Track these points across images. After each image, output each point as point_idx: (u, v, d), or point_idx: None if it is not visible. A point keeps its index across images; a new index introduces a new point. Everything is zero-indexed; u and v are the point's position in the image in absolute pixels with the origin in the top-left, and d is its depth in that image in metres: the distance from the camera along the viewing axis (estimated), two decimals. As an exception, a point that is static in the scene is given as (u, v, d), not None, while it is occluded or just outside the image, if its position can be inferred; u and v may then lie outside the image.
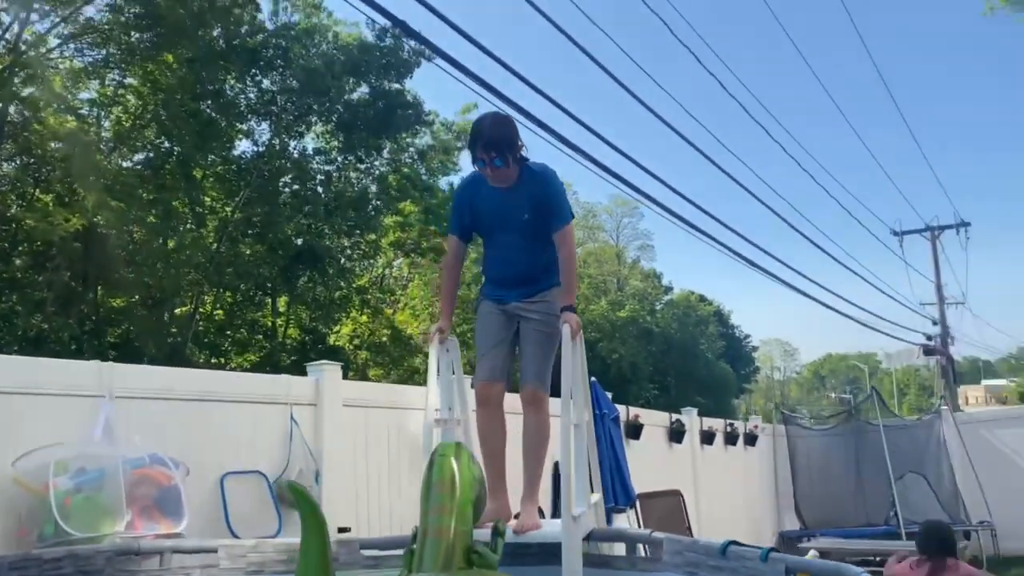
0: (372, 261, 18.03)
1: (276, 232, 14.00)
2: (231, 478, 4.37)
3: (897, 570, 4.31)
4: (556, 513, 5.78)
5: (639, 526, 7.44)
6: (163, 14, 11.59)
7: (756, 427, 12.99)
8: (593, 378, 6.05)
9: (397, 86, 14.74)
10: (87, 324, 12.56)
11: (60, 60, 12.56)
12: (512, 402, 3.65)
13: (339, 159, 15.50)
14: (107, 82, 13.15)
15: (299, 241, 14.64)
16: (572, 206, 3.79)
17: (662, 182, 8.50)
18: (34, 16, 11.47)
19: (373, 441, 5.44)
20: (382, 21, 9.08)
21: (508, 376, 3.66)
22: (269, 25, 14.26)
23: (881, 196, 38.19)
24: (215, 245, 13.89)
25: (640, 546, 3.49)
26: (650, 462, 9.02)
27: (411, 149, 16.62)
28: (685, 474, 10.22)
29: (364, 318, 17.16)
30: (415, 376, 16.18)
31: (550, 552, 3.14)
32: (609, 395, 7.84)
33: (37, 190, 12.09)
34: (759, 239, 11.17)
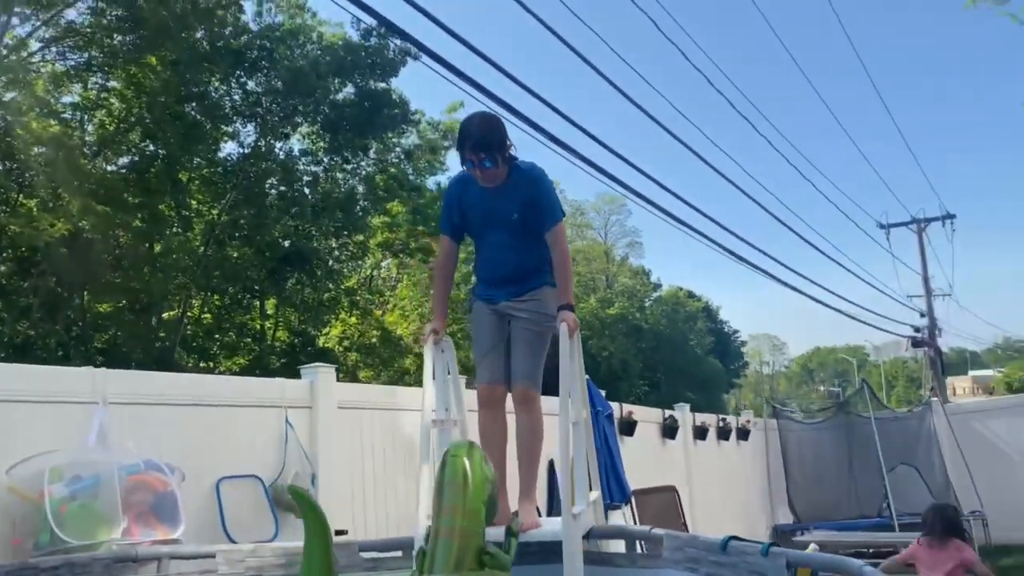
0: (360, 262, 18.00)
1: (263, 234, 13.95)
2: (226, 483, 4.33)
3: (911, 548, 4.40)
4: (551, 512, 5.77)
5: (635, 523, 7.44)
6: (145, 16, 11.52)
7: (748, 422, 13.03)
8: (586, 376, 6.03)
9: (383, 85, 14.72)
10: (73, 330, 12.47)
11: (42, 64, 12.46)
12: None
13: (325, 160, 15.46)
14: (90, 86, 13.07)
15: (286, 243, 14.60)
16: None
17: (649, 177, 8.48)
18: (15, 20, 11.36)
19: (368, 443, 5.41)
20: (368, 20, 9.04)
21: (509, 377, 3.64)
22: (253, 26, 14.21)
23: (868, 190, 38.28)
24: (202, 248, 13.82)
25: (638, 543, 3.49)
26: (644, 458, 9.02)
27: (397, 149, 16.61)
28: (679, 470, 10.23)
29: (353, 320, 17.13)
30: (405, 377, 16.16)
31: (550, 550, 3.12)
32: (602, 392, 7.83)
33: (21, 195, 12.00)
34: (747, 234, 11.18)
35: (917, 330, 20.08)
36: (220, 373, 13.34)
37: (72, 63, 12.58)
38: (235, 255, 14.22)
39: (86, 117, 13.39)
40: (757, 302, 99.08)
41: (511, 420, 3.69)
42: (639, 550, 3.49)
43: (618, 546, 3.63)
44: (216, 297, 14.87)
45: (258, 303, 15.69)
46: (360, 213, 15.55)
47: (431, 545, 2.30)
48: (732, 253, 11.16)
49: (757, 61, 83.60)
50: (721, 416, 12.54)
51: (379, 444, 5.48)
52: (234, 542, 3.98)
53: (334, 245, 16.12)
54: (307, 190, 15.19)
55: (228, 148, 14.91)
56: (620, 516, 7.15)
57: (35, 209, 11.65)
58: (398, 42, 13.59)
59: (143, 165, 13.23)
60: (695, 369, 31.52)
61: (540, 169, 3.62)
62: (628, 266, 38.25)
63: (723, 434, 12.03)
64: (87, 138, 13.21)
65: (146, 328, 13.44)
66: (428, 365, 3.50)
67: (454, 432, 3.68)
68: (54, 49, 12.41)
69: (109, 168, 13.36)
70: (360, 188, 16.00)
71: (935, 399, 13.65)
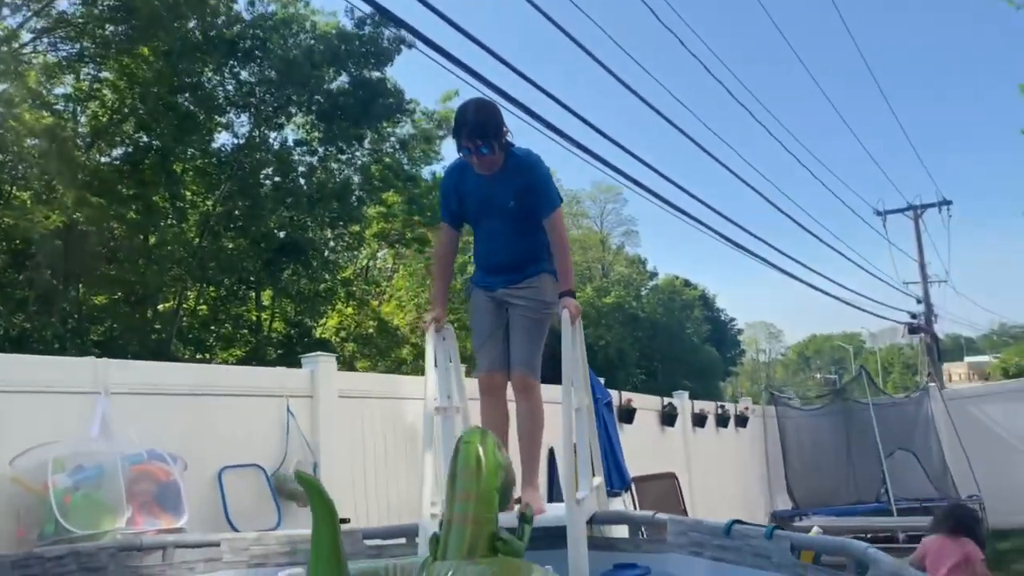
0: (356, 252, 17.96)
1: (259, 225, 13.90)
2: (229, 472, 4.33)
3: (927, 543, 4.42)
4: (552, 498, 5.78)
5: (635, 509, 7.46)
6: (137, 6, 11.45)
7: (747, 409, 13.06)
8: (587, 363, 6.03)
9: (377, 74, 14.66)
10: (69, 322, 12.43)
11: (33, 55, 12.38)
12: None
13: (320, 150, 15.39)
14: (82, 76, 12.99)
15: (282, 234, 14.55)
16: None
17: (647, 165, 8.45)
18: (6, 11, 11.28)
19: (369, 431, 5.41)
20: (362, 8, 8.99)
21: (508, 365, 3.64)
22: (246, 16, 14.10)
23: (866, 181, 38.38)
24: (197, 240, 13.78)
25: (641, 528, 3.49)
26: (643, 446, 9.05)
27: (392, 138, 16.53)
28: (678, 457, 10.26)
29: (350, 310, 17.10)
30: (402, 367, 16.16)
31: (555, 535, 3.12)
32: (601, 380, 7.84)
33: (14, 187, 11.94)
34: (743, 221, 11.19)
35: (913, 316, 20.14)
36: (217, 364, 13.31)
37: (64, 54, 12.50)
38: (230, 246, 14.17)
39: (79, 108, 13.32)
40: (753, 290, 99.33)
41: (512, 408, 3.69)
42: (642, 535, 3.50)
43: (621, 531, 3.64)
44: (212, 288, 14.83)
45: (254, 294, 15.65)
46: (355, 203, 15.49)
47: (444, 531, 2.29)
48: (729, 240, 11.15)
49: (757, 61, 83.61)
50: (720, 404, 12.57)
51: (380, 432, 5.49)
52: (237, 531, 3.98)
53: (330, 235, 16.07)
54: (302, 180, 15.13)
55: (222, 139, 14.86)
56: (620, 503, 7.16)
57: (29, 201, 11.60)
58: (392, 30, 13.52)
59: (137, 156, 13.17)
60: (692, 357, 31.59)
61: (536, 156, 3.60)
62: (624, 255, 38.29)
63: (722, 421, 12.06)
64: (80, 129, 13.15)
65: (142, 320, 13.42)
66: (430, 353, 3.50)
67: (456, 419, 3.68)
68: (46, 40, 12.33)
69: (103, 159, 13.30)
70: (355, 178, 15.93)
71: (932, 384, 13.68)
